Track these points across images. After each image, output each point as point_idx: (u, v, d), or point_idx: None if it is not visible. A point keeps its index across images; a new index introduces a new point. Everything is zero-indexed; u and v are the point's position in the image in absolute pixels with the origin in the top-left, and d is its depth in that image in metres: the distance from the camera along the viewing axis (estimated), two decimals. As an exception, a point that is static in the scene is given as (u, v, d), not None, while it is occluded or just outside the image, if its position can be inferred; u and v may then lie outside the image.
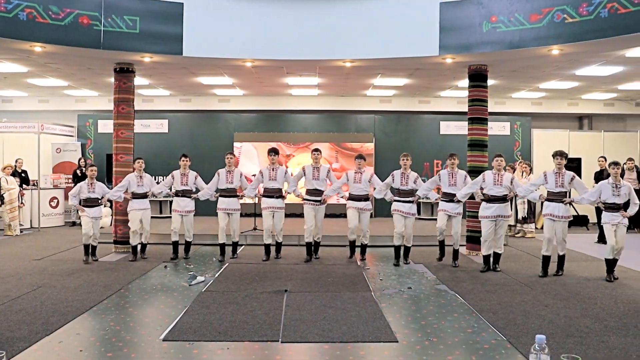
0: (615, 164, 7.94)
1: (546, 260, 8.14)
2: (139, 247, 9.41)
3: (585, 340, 5.00)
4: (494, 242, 8.44)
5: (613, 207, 7.79)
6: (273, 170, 9.29)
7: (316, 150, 9.37)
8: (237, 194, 9.41)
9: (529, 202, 12.41)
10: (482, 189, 8.56)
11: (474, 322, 5.67)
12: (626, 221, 7.80)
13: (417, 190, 9.02)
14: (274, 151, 9.35)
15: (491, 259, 8.48)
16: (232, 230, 9.37)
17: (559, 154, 8.09)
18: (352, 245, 9.47)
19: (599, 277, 7.92)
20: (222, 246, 9.36)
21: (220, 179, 9.33)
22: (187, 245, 9.46)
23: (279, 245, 9.47)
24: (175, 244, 9.40)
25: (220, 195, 9.31)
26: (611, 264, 7.84)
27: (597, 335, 5.14)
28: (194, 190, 9.47)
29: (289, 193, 9.42)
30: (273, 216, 9.24)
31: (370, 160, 15.29)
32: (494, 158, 8.53)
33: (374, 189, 9.25)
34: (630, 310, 6.07)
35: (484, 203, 8.52)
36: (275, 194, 9.24)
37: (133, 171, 9.45)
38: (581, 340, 4.98)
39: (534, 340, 2.90)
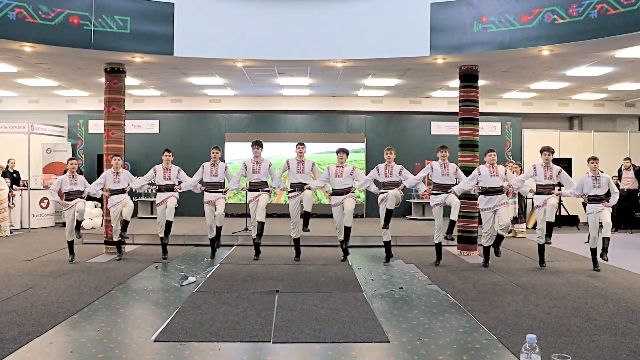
0: (594, 158, 8.55)
1: (542, 248, 8.71)
2: (122, 246, 9.53)
3: (575, 339, 5.03)
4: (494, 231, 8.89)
5: (595, 199, 8.43)
6: (257, 163, 9.22)
7: (300, 144, 9.30)
8: (222, 188, 9.39)
9: (519, 202, 12.48)
10: (477, 182, 8.85)
11: (465, 322, 5.68)
12: (609, 208, 8.47)
13: (403, 181, 9.00)
14: (257, 144, 9.28)
15: (490, 252, 8.91)
16: (218, 214, 9.21)
17: (546, 149, 8.68)
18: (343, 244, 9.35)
19: (589, 276, 7.97)
20: (212, 242, 9.36)
21: (204, 172, 9.34)
22: (167, 225, 9.28)
23: (261, 225, 9.09)
24: (164, 243, 9.38)
25: (205, 190, 9.31)
26: (594, 252, 8.48)
27: (587, 335, 5.17)
28: (177, 183, 9.45)
29: (274, 188, 9.31)
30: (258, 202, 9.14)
31: (362, 160, 15.33)
32: (487, 153, 8.92)
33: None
34: (620, 310, 6.10)
35: (481, 196, 8.83)
36: (260, 187, 9.18)
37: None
38: (572, 340, 5.01)
39: (524, 340, 2.92)
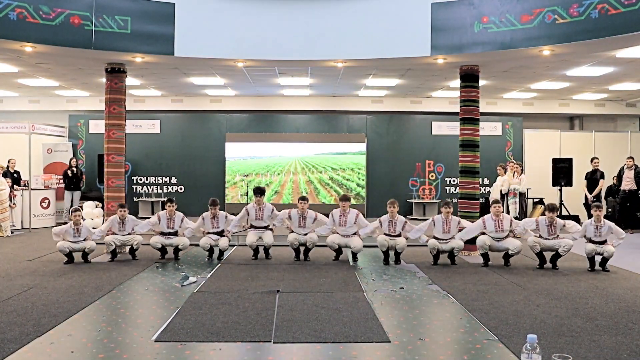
0: (598, 206, 8.58)
1: (540, 253, 8.70)
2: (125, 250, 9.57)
3: (576, 339, 5.02)
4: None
5: (595, 243, 8.48)
6: (259, 209, 9.44)
7: (303, 198, 9.49)
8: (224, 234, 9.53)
9: (520, 202, 12.47)
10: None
11: (465, 322, 5.68)
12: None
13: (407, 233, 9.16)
14: (259, 191, 9.48)
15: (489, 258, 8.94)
16: (222, 247, 9.38)
17: (551, 209, 8.70)
18: (337, 249, 9.47)
19: (590, 276, 7.97)
20: (210, 248, 9.45)
21: (205, 223, 9.46)
22: (176, 250, 9.50)
23: (266, 250, 9.48)
24: (162, 248, 9.44)
25: (208, 234, 9.47)
26: (591, 259, 8.51)
27: (588, 335, 5.16)
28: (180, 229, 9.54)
29: (275, 226, 9.61)
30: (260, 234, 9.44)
31: (362, 161, 15.33)
32: (492, 204, 8.97)
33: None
34: (621, 310, 6.10)
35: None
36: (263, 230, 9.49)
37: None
38: (572, 340, 5.00)
39: (525, 340, 2.92)
